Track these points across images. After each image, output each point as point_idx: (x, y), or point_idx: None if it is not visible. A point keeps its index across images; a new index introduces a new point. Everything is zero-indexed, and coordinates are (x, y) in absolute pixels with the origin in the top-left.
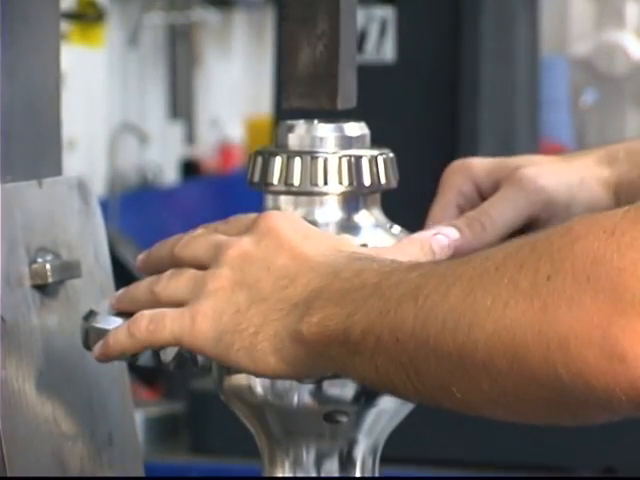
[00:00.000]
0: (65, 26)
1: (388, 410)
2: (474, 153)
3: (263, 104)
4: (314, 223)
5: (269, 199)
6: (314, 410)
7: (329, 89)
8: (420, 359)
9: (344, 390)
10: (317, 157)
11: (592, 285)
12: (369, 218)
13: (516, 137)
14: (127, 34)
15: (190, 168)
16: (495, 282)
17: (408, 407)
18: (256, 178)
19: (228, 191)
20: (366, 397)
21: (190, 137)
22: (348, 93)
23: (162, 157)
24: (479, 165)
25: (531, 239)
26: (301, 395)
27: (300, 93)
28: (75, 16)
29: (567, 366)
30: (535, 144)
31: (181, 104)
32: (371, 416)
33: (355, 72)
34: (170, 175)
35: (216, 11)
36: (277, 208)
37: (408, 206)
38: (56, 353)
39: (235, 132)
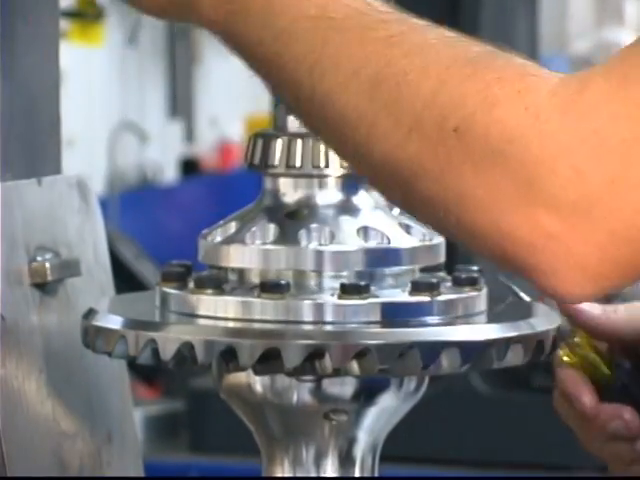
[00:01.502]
0: (64, 24)
1: (387, 408)
2: None
3: (262, 102)
4: (313, 205)
5: (268, 181)
6: (313, 408)
7: None
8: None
9: (343, 388)
10: (318, 139)
11: (504, 161)
12: (368, 200)
13: None
14: (126, 32)
15: (190, 166)
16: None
17: (407, 405)
18: (256, 160)
19: (228, 189)
20: (365, 395)
21: (190, 135)
22: None
23: (162, 155)
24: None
25: (464, 68)
26: (300, 394)
27: None
28: (75, 14)
29: (459, 221)
30: None
31: (181, 102)
32: (370, 414)
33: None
34: (170, 173)
35: None
36: (276, 190)
37: None
38: (56, 351)
39: (234, 130)
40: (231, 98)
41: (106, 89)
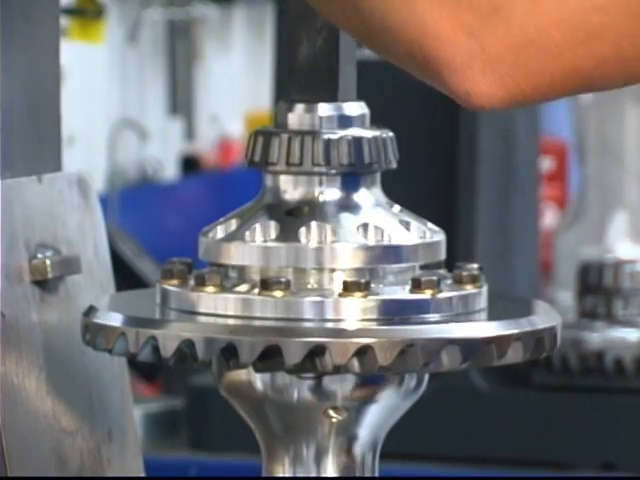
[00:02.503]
0: (65, 22)
1: (388, 406)
2: (474, 149)
3: (263, 99)
4: (314, 202)
5: (269, 178)
6: (314, 406)
7: (329, 83)
8: None
9: (344, 386)
10: (319, 136)
11: None
12: (369, 197)
13: (516, 134)
14: (127, 30)
15: (190, 164)
16: None
17: (408, 403)
18: (257, 157)
19: (228, 186)
20: (366, 393)
21: (190, 133)
22: (348, 87)
23: (162, 153)
24: None
25: None
26: (301, 391)
27: (300, 87)
28: (75, 12)
29: (377, 13)
30: (536, 141)
31: (181, 100)
32: (371, 412)
33: (355, 66)
34: (170, 171)
35: (216, 7)
36: (277, 187)
37: (408, 204)
38: (56, 349)
39: (235, 127)
40: (231, 95)
41: (106, 86)
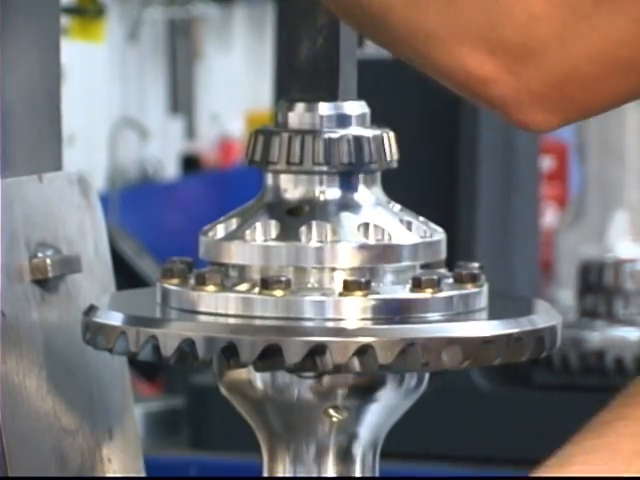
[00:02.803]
0: (65, 21)
1: (388, 405)
2: (474, 150)
3: (263, 98)
4: (314, 201)
5: (269, 177)
6: (314, 405)
7: (329, 82)
8: None
9: (343, 385)
10: (319, 136)
11: (465, 4)
12: (370, 196)
13: (517, 133)
14: (127, 29)
15: (190, 163)
16: None
17: (408, 402)
18: (257, 156)
19: (228, 186)
20: (366, 392)
21: (190, 132)
22: (348, 86)
23: (162, 152)
24: None
25: None
26: (301, 390)
27: (300, 86)
28: (75, 11)
29: (425, 59)
30: (536, 140)
31: (181, 99)
32: (371, 411)
33: (356, 65)
34: (170, 170)
35: (216, 6)
36: (277, 187)
37: (408, 204)
38: (56, 348)
39: (235, 127)
40: (232, 94)
41: (107, 85)
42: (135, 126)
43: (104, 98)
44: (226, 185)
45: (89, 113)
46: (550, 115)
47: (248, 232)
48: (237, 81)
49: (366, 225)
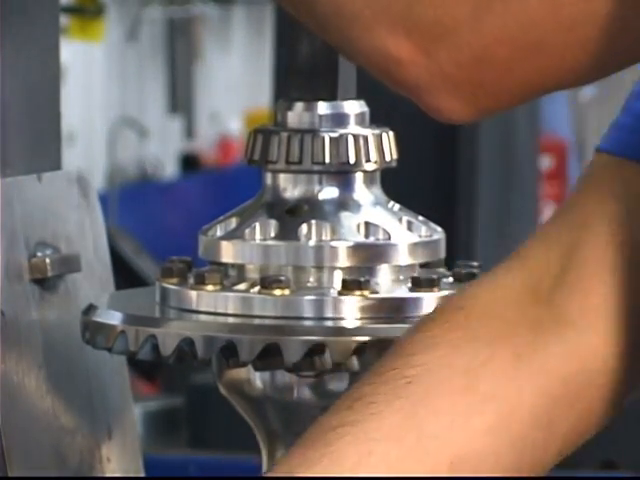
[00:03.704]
0: (64, 20)
1: None
2: (474, 146)
3: (262, 98)
4: (313, 201)
5: (268, 177)
6: (314, 404)
7: (328, 81)
8: None
9: (344, 384)
10: (318, 135)
11: None
12: (368, 196)
13: (516, 133)
14: (126, 28)
15: (189, 162)
16: None
17: None
18: (256, 156)
19: (228, 185)
20: None
21: (189, 131)
22: (348, 85)
23: (161, 151)
24: None
25: None
26: (301, 389)
27: (299, 85)
28: (74, 10)
29: (350, 41)
30: (536, 138)
31: (180, 98)
32: None
33: (354, 64)
34: (169, 169)
35: (215, 5)
36: (276, 186)
37: (408, 203)
38: (55, 347)
39: (235, 126)
40: (231, 94)
41: (106, 85)
42: (134, 125)
43: (103, 97)
44: (225, 184)
45: (88, 112)
46: (461, 102)
47: (247, 231)
48: (236, 80)
49: (365, 224)
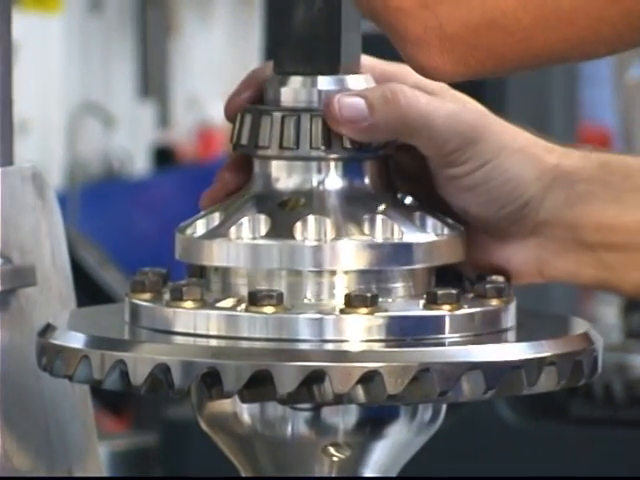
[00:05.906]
0: None
1: (398, 442)
2: None
3: None
4: (311, 193)
5: (258, 165)
6: (311, 442)
7: (329, 52)
8: None
9: (346, 418)
10: (318, 115)
11: None
12: (378, 187)
13: (551, 118)
14: None
15: (164, 156)
16: None
17: (422, 439)
18: (244, 140)
19: (209, 183)
20: (372, 427)
21: (164, 119)
22: (351, 57)
23: (131, 143)
24: None
25: None
26: (295, 424)
27: (295, 57)
28: None
29: None
30: (573, 126)
31: (153, 80)
32: (378, 449)
33: (360, 33)
34: (140, 164)
35: None
36: (267, 175)
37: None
38: (7, 375)
39: (217, 113)
40: (212, 75)
41: (65, 64)
42: (98, 112)
43: (62, 79)
44: (206, 182)
45: (44, 97)
46: (452, 62)
47: (233, 229)
48: (219, 59)
49: (372, 220)
